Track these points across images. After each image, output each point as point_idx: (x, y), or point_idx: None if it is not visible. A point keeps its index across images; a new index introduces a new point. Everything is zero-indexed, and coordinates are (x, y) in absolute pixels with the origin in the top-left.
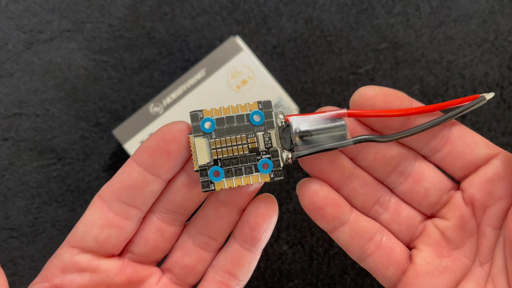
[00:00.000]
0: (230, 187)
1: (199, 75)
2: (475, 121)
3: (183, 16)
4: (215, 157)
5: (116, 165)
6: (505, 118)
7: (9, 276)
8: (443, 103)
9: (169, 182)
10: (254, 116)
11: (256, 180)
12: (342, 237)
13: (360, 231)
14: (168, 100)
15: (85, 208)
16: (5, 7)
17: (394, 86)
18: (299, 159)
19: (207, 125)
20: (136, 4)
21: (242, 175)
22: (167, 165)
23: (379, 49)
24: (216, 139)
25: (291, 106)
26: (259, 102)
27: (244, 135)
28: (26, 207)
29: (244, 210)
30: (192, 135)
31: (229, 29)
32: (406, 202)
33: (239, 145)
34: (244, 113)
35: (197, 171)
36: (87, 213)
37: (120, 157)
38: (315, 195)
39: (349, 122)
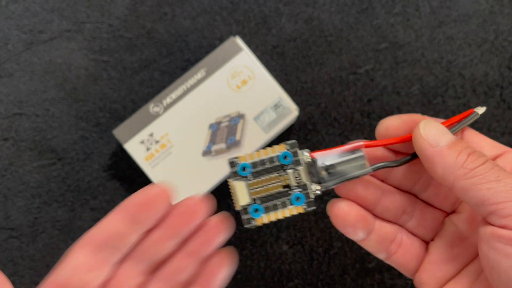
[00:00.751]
0: (270, 220)
1: (199, 75)
2: (475, 121)
3: (183, 16)
4: (254, 196)
5: (116, 165)
6: (505, 118)
7: (9, 276)
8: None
9: (146, 234)
10: (284, 157)
11: (292, 212)
12: (370, 244)
13: (384, 236)
14: (168, 100)
15: (85, 208)
16: (5, 7)
17: (394, 86)
18: (335, 189)
19: (243, 169)
20: (136, 4)
21: (279, 209)
22: (147, 220)
23: (379, 49)
24: (253, 181)
25: (291, 106)
26: (286, 143)
27: (277, 174)
28: (26, 207)
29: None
30: (232, 179)
31: (229, 29)
32: (429, 205)
33: (273, 183)
34: (274, 154)
35: (239, 211)
36: (71, 258)
37: (120, 157)
38: (347, 215)
39: (368, 151)
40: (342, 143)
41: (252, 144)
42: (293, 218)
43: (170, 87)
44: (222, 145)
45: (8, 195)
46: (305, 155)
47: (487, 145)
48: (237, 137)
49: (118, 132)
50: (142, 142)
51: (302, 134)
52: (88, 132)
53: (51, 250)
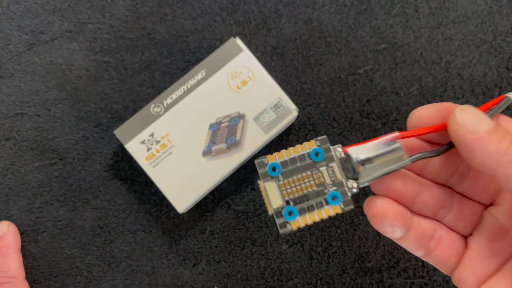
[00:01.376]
0: (306, 224)
1: (199, 76)
2: None
3: (183, 17)
4: (287, 198)
5: (117, 165)
6: None
7: None
8: None
9: None
10: (315, 153)
11: (329, 213)
12: (408, 242)
13: (423, 233)
14: (168, 100)
15: (86, 207)
16: (7, 8)
17: (393, 86)
18: (371, 186)
19: (273, 169)
20: (137, 5)
21: (315, 210)
22: None
23: (378, 49)
24: (284, 181)
25: (290, 106)
26: (316, 140)
27: (309, 172)
28: (28, 206)
29: None
30: (262, 181)
31: (229, 30)
32: (467, 197)
33: (306, 182)
34: (305, 152)
35: (273, 214)
36: None
37: (121, 157)
38: (386, 214)
39: (407, 141)
40: (342, 143)
41: (252, 144)
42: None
43: (170, 87)
44: (222, 145)
45: (10, 194)
46: (338, 150)
47: None
48: (237, 137)
49: (119, 132)
50: (143, 142)
51: (302, 134)
52: (89, 132)
53: (52, 249)
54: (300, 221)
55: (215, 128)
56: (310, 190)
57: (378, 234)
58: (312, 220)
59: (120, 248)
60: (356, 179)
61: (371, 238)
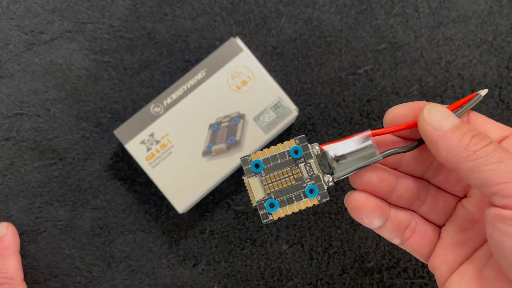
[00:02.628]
0: (285, 214)
1: (199, 76)
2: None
3: (183, 16)
4: (268, 191)
5: (117, 165)
6: (504, 118)
7: None
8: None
9: None
10: (294, 151)
11: (306, 204)
12: (385, 231)
13: (398, 223)
14: (168, 100)
15: (86, 207)
16: (6, 8)
17: (393, 86)
18: (350, 181)
19: (256, 166)
20: (136, 4)
21: (294, 202)
22: None
23: (378, 49)
24: (266, 176)
25: (290, 106)
26: (295, 139)
27: (289, 168)
28: (28, 206)
29: None
30: (246, 176)
31: (229, 30)
32: (442, 189)
33: (286, 177)
34: (285, 150)
35: (256, 206)
36: None
37: (120, 157)
38: (364, 207)
39: (382, 137)
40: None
41: (252, 144)
42: (292, 217)
43: (170, 87)
44: (222, 145)
45: (10, 194)
46: (315, 148)
47: (493, 127)
48: (237, 137)
49: (119, 132)
50: (142, 142)
51: (302, 134)
52: (89, 132)
53: (52, 249)
54: (280, 212)
55: (215, 128)
56: (289, 184)
57: (378, 234)
58: (291, 210)
59: (120, 248)
60: (331, 174)
61: (371, 238)
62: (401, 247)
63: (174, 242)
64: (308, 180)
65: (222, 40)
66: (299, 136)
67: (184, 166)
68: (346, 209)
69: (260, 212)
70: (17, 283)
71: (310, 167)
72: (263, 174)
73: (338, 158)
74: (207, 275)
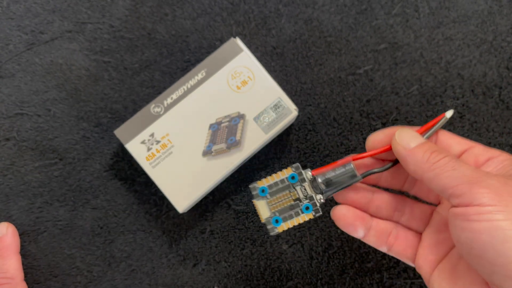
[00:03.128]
0: (288, 227)
1: (199, 76)
2: (474, 121)
3: (183, 17)
4: (273, 210)
5: (117, 165)
6: (503, 118)
7: None
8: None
9: None
10: (291, 177)
11: (304, 219)
12: (370, 239)
13: (381, 231)
14: (169, 100)
15: (86, 207)
16: (7, 8)
17: (393, 86)
18: (334, 198)
19: (262, 191)
20: (136, 5)
21: (294, 217)
22: None
23: (378, 49)
24: (271, 199)
25: (290, 106)
26: (291, 167)
27: (288, 191)
28: (28, 206)
29: None
30: (255, 199)
31: (229, 30)
32: (419, 201)
33: (286, 198)
34: (284, 177)
35: (264, 223)
36: None
37: (121, 157)
38: (346, 217)
39: (358, 162)
40: (342, 143)
41: (252, 144)
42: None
43: (171, 87)
44: (222, 145)
45: (10, 194)
46: (308, 173)
47: (455, 142)
48: (237, 137)
49: (119, 132)
50: (143, 142)
51: (302, 134)
52: (89, 132)
53: (52, 249)
54: (284, 226)
55: (215, 128)
56: (289, 203)
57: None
58: (292, 224)
59: (120, 248)
60: (322, 193)
61: None
62: (389, 253)
63: (174, 242)
64: (304, 199)
65: (222, 40)
66: (294, 165)
67: (184, 166)
68: None
69: (268, 227)
70: (17, 283)
71: (305, 189)
72: (268, 197)
73: (326, 181)
74: (207, 275)
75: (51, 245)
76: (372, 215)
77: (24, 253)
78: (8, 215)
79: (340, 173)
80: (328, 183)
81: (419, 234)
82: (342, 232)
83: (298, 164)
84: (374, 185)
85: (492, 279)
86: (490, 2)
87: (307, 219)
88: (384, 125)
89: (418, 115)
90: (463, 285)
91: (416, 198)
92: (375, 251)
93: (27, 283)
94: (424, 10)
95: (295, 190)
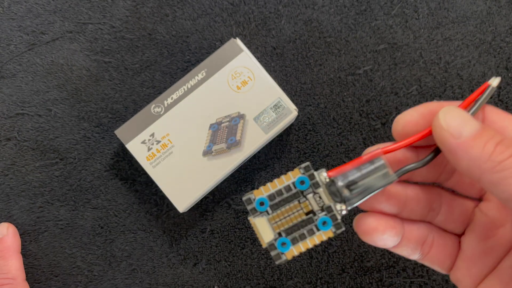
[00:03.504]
0: (300, 252)
1: (199, 76)
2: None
3: (184, 17)
4: (278, 230)
5: (118, 164)
6: None
7: None
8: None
9: None
10: (300, 182)
11: (321, 238)
12: (402, 249)
13: (415, 239)
14: (169, 100)
15: (87, 207)
16: (8, 8)
17: (392, 86)
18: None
19: (261, 204)
20: (137, 5)
21: (307, 238)
22: None
23: (378, 50)
24: (273, 214)
25: (290, 106)
26: (299, 168)
27: (297, 202)
28: (29, 206)
29: None
30: (251, 217)
31: (229, 31)
32: (456, 194)
33: (295, 212)
34: (290, 182)
35: (266, 248)
36: None
37: (121, 156)
38: (375, 231)
39: (388, 156)
40: (341, 143)
41: (252, 144)
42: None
43: (171, 87)
44: (223, 145)
45: (11, 194)
46: (323, 175)
47: (510, 124)
48: (237, 137)
49: (120, 132)
50: (143, 142)
51: (302, 134)
52: (90, 132)
53: (53, 249)
54: (294, 251)
55: (215, 128)
56: (299, 219)
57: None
58: (305, 247)
59: (120, 247)
60: (344, 201)
61: None
62: (421, 262)
63: (174, 242)
64: (319, 211)
65: (222, 41)
66: (303, 165)
67: (184, 166)
68: None
69: (272, 254)
70: (19, 283)
71: (320, 197)
72: (270, 212)
73: (349, 184)
74: (208, 274)
75: (52, 244)
76: (403, 219)
77: (25, 253)
78: (9, 215)
79: (368, 172)
80: (352, 186)
81: (458, 237)
82: (342, 232)
83: (308, 163)
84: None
85: None
86: (489, 2)
87: (325, 238)
88: (384, 125)
89: None
90: None
91: (453, 191)
92: (375, 250)
93: (28, 283)
94: (423, 11)
95: (307, 199)
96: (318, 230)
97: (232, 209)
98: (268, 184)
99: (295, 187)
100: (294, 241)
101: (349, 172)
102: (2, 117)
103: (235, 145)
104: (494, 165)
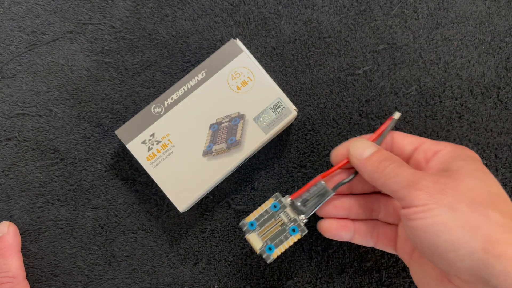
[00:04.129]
0: (281, 252)
1: (199, 76)
2: (472, 121)
3: (184, 18)
4: (265, 239)
5: (118, 164)
6: (502, 118)
7: None
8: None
9: None
10: (273, 206)
11: (293, 240)
12: (357, 240)
13: (364, 232)
14: (169, 101)
15: (87, 207)
16: (8, 9)
17: (392, 86)
18: (317, 213)
19: (251, 225)
20: (137, 6)
21: (284, 242)
22: None
23: (377, 50)
24: (260, 230)
25: (290, 106)
26: (272, 197)
27: (273, 219)
28: (29, 206)
29: None
30: (247, 234)
31: (229, 31)
32: (390, 197)
33: (274, 226)
34: (267, 207)
35: (259, 253)
36: None
37: (121, 156)
38: (330, 229)
39: (329, 178)
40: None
41: (252, 144)
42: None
43: (171, 88)
44: (223, 145)
45: (11, 194)
46: (287, 200)
47: (408, 142)
48: (237, 137)
49: (120, 132)
50: (143, 142)
51: (301, 134)
52: (90, 133)
53: (53, 248)
54: (277, 251)
55: (215, 128)
56: (277, 230)
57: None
58: (284, 248)
59: (121, 247)
60: (303, 213)
61: None
62: (376, 247)
63: (174, 241)
64: (289, 223)
65: (222, 41)
66: (274, 195)
67: (184, 166)
68: None
69: (264, 256)
70: (19, 281)
71: (287, 213)
72: (258, 229)
73: (304, 202)
74: (208, 274)
75: (52, 244)
76: (353, 220)
77: (25, 253)
78: (9, 215)
79: (314, 192)
80: (306, 203)
81: (396, 226)
82: None
83: (277, 193)
84: (350, 193)
85: (438, 266)
86: (488, 3)
87: (296, 240)
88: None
89: (417, 115)
90: (429, 268)
91: (388, 196)
92: (374, 250)
93: (28, 282)
94: (422, 11)
95: (279, 216)
96: (290, 235)
97: (232, 209)
98: (254, 212)
99: (271, 210)
100: (276, 245)
101: (303, 194)
102: (3, 117)
103: (235, 145)
104: (379, 175)
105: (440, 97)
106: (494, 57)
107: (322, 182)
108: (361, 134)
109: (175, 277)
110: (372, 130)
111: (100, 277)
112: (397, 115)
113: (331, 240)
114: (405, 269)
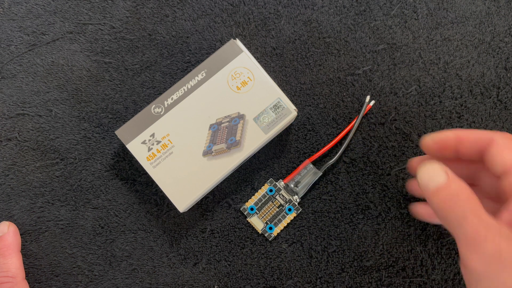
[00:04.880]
0: (280, 229)
1: (199, 77)
2: (472, 121)
3: (184, 18)
4: (265, 221)
5: (118, 165)
6: (501, 118)
7: None
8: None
9: None
10: (269, 190)
11: (290, 218)
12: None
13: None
14: (169, 101)
15: (87, 207)
16: (8, 9)
17: (391, 87)
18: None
19: (251, 209)
20: (137, 6)
21: (282, 220)
22: None
23: (377, 50)
24: (259, 213)
25: (290, 106)
26: (267, 182)
27: (271, 202)
28: (29, 206)
29: None
30: (249, 218)
31: (229, 31)
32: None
33: (271, 208)
34: (264, 192)
35: (261, 233)
36: None
37: (121, 157)
38: (420, 214)
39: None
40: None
41: (252, 144)
42: (292, 217)
43: (171, 88)
44: (223, 145)
45: (11, 194)
46: (281, 183)
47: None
48: (237, 137)
49: (120, 132)
50: (144, 142)
51: (301, 134)
52: (90, 133)
53: (54, 249)
54: (277, 229)
55: (215, 128)
56: (275, 211)
57: (377, 233)
58: (283, 226)
59: (121, 247)
60: (297, 194)
61: (370, 237)
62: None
63: (175, 241)
64: (285, 204)
65: (222, 41)
66: (268, 180)
67: (184, 166)
68: (344, 208)
69: (266, 235)
70: (18, 281)
71: (283, 195)
72: (258, 212)
73: (296, 183)
74: (208, 274)
75: (53, 244)
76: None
77: (26, 253)
78: (9, 215)
79: (305, 174)
80: (298, 185)
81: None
82: (341, 231)
83: (271, 178)
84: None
85: None
86: (488, 3)
87: (292, 217)
88: (383, 125)
89: (417, 115)
90: None
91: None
92: (374, 250)
93: (29, 283)
94: (422, 11)
95: (276, 199)
96: (287, 214)
97: (232, 209)
98: (252, 197)
99: (268, 194)
100: (276, 224)
101: (295, 177)
102: (3, 118)
103: (235, 145)
104: (444, 214)
105: (440, 97)
106: (493, 57)
107: (311, 164)
108: (361, 134)
109: (175, 277)
110: (372, 130)
111: (100, 277)
112: (367, 98)
113: (331, 240)
114: (405, 268)
